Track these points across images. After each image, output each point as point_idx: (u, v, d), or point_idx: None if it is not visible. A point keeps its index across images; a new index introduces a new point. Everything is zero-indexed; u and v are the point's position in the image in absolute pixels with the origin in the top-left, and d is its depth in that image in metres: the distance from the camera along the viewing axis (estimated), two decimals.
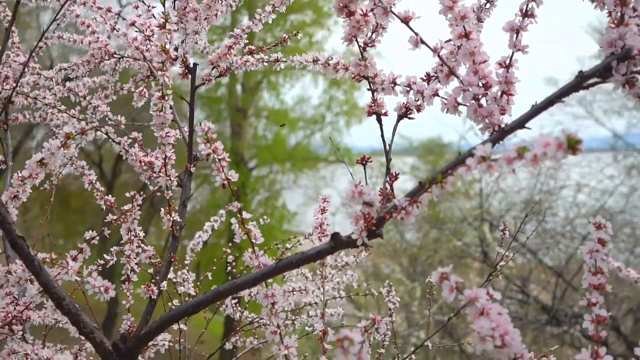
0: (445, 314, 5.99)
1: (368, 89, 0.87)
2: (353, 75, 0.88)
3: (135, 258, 1.10)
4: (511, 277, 6.74)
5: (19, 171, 0.92)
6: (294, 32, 1.34)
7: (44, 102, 1.31)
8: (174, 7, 1.14)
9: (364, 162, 0.88)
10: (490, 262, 6.48)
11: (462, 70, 0.79)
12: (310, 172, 11.12)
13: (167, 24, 0.95)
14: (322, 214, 1.11)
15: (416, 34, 0.76)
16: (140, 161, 1.18)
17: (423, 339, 5.78)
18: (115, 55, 1.38)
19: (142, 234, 1.16)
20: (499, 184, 7.83)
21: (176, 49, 1.14)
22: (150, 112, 1.01)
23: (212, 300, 0.78)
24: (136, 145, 1.21)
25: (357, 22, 0.80)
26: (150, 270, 1.10)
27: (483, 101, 0.74)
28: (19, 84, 0.95)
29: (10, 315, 1.06)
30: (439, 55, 0.76)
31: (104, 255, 1.29)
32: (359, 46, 0.84)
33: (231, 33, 1.19)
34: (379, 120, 0.86)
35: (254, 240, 0.84)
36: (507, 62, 0.74)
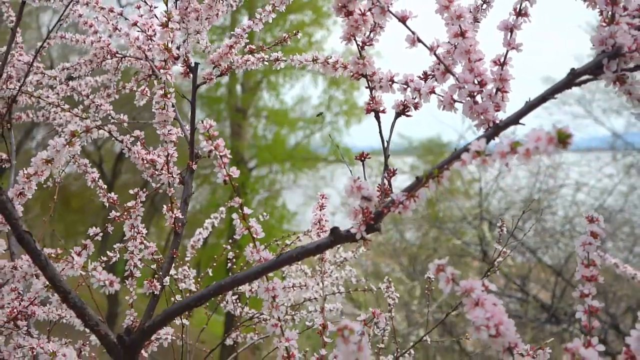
0: (444, 312, 6.00)
1: (366, 87, 0.89)
2: (352, 74, 0.90)
3: (138, 254, 1.12)
4: (511, 276, 6.76)
5: (24, 168, 0.94)
6: (294, 32, 1.35)
7: (48, 101, 1.33)
8: (176, 7, 1.16)
9: (363, 159, 0.90)
10: (489, 260, 6.50)
11: (458, 69, 0.81)
12: (310, 172, 11.15)
13: (169, 23, 0.97)
14: (320, 210, 1.12)
15: (413, 32, 0.78)
16: (142, 159, 1.19)
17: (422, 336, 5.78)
18: (117, 55, 1.40)
19: (144, 230, 1.18)
20: (498, 183, 7.85)
21: (178, 48, 1.16)
22: (153, 109, 1.03)
23: (214, 293, 0.80)
24: (138, 143, 1.23)
25: (356, 22, 0.82)
26: (153, 266, 1.12)
27: (478, 98, 0.76)
28: (24, 83, 0.97)
29: (15, 310, 1.07)
30: (435, 54, 0.78)
31: (107, 252, 1.31)
32: (358, 45, 0.86)
33: (232, 33, 1.21)
34: (377, 118, 0.88)
35: (255, 235, 0.86)
36: (502, 60, 0.76)
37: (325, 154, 10.93)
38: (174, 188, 1.15)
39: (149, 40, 1.23)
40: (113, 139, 1.27)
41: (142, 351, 1.04)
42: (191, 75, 1.20)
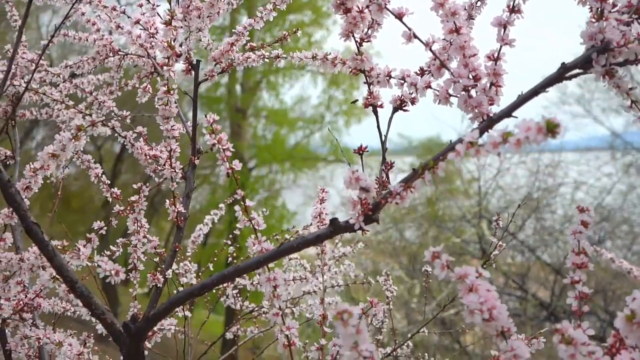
0: (444, 310, 6.03)
1: (364, 83, 0.91)
2: (350, 69, 0.93)
3: (141, 247, 1.15)
4: (510, 274, 6.79)
5: (31, 163, 0.97)
6: (294, 30, 1.38)
7: (53, 98, 1.36)
8: (178, 5, 1.18)
9: (361, 153, 0.92)
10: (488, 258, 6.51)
11: (453, 65, 0.83)
12: (309, 171, 11.18)
13: (173, 20, 0.99)
14: (320, 204, 1.15)
15: (409, 29, 0.80)
16: (145, 154, 1.22)
17: (422, 335, 5.81)
18: (119, 53, 1.42)
19: (147, 225, 1.21)
20: (497, 182, 7.88)
21: (180, 46, 1.18)
22: (156, 105, 1.05)
23: (217, 282, 0.82)
24: (141, 139, 1.26)
25: (354, 19, 0.84)
26: (156, 259, 1.14)
27: (473, 92, 0.78)
28: (30, 81, 0.99)
29: (21, 302, 1.10)
30: (431, 49, 0.81)
31: (109, 247, 1.33)
32: (356, 41, 0.88)
33: (233, 30, 1.23)
34: (375, 112, 0.90)
35: (256, 227, 0.88)
36: (496, 55, 0.78)
37: (325, 154, 10.96)
38: (176, 183, 1.17)
39: (151, 38, 1.26)
40: (116, 135, 1.30)
41: (146, 342, 1.06)
42: (193, 72, 1.22)
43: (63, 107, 1.40)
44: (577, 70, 0.71)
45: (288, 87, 10.92)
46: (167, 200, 1.21)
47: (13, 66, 1.46)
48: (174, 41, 1.02)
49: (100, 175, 1.31)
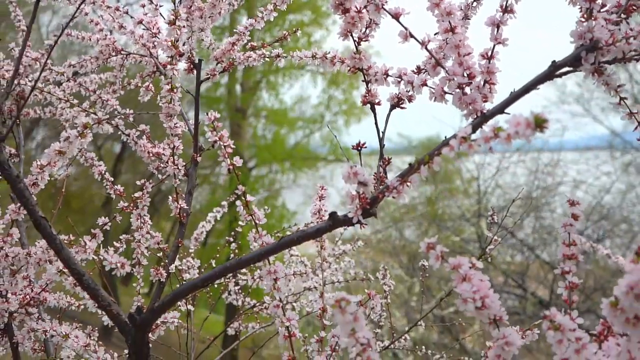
0: (443, 308, 6.06)
1: (363, 81, 0.93)
2: (349, 68, 0.95)
3: (145, 243, 1.17)
4: (509, 273, 6.82)
5: (37, 159, 0.99)
6: (294, 30, 1.40)
7: (58, 97, 1.38)
8: (180, 5, 1.21)
9: (359, 149, 0.95)
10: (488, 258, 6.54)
11: (449, 63, 0.85)
12: (309, 171, 11.20)
13: (177, 21, 1.01)
14: (320, 200, 1.17)
15: (406, 28, 0.83)
16: (148, 152, 1.24)
17: (422, 333, 5.82)
18: (122, 52, 1.45)
19: (150, 221, 1.23)
20: (497, 181, 7.91)
21: (183, 45, 1.21)
22: (160, 103, 1.08)
23: (219, 274, 0.85)
24: (144, 137, 1.28)
25: (352, 18, 0.87)
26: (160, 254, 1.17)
27: (467, 90, 0.81)
28: (38, 80, 1.01)
29: (28, 297, 1.12)
30: (426, 48, 0.83)
31: (114, 243, 1.36)
32: (354, 41, 0.91)
33: (235, 30, 1.26)
34: (373, 109, 0.93)
35: (257, 221, 0.91)
36: (489, 54, 0.80)
37: (325, 154, 10.98)
38: (178, 180, 1.20)
39: (154, 38, 1.28)
40: (119, 133, 1.32)
41: (150, 334, 1.08)
42: (195, 71, 1.25)
43: (67, 105, 1.42)
44: (567, 68, 0.73)
45: (288, 86, 10.96)
46: (170, 197, 1.23)
47: (20, 66, 1.49)
48: (177, 41, 1.05)
49: (103, 172, 1.34)
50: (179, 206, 1.20)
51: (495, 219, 1.43)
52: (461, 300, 0.66)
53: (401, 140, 10.35)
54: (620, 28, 0.73)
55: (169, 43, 1.03)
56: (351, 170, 0.77)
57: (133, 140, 1.25)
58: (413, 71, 0.91)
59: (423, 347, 1.59)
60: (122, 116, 1.26)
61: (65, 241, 0.96)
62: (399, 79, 0.89)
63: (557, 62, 0.73)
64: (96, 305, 0.88)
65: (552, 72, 0.73)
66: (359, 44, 0.92)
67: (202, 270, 1.61)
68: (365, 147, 0.94)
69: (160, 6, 1.21)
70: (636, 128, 0.76)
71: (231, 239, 1.80)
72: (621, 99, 0.76)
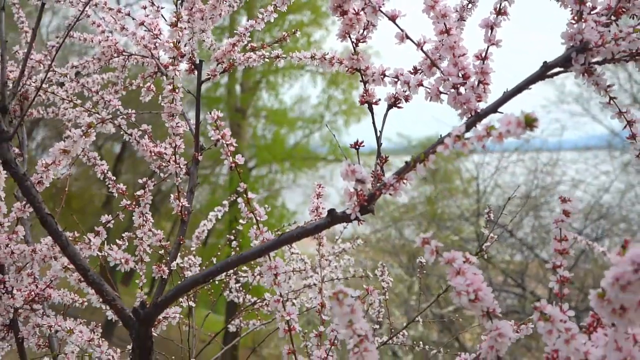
0: (442, 307, 6.08)
1: (360, 81, 0.96)
2: (347, 68, 0.97)
3: (147, 240, 1.19)
4: (508, 272, 6.84)
5: (42, 158, 1.01)
6: (293, 31, 1.43)
7: (61, 97, 1.40)
8: (182, 7, 1.23)
9: (357, 147, 0.97)
10: (487, 257, 6.57)
11: (445, 64, 0.88)
12: (309, 171, 11.22)
13: (179, 22, 1.04)
14: (317, 198, 1.20)
15: (402, 30, 0.85)
16: (150, 151, 1.26)
17: (421, 332, 5.84)
18: (124, 53, 1.47)
19: (152, 219, 1.25)
20: (496, 180, 7.93)
21: (184, 46, 1.23)
22: (162, 103, 1.10)
23: (221, 270, 0.87)
24: (146, 136, 1.30)
25: (350, 20, 0.89)
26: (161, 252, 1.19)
27: (462, 90, 0.83)
28: (44, 81, 1.04)
29: (33, 293, 1.15)
30: (422, 49, 0.85)
31: (116, 241, 1.38)
32: (352, 42, 0.93)
33: (235, 32, 1.28)
34: (370, 109, 0.95)
35: (258, 218, 0.93)
36: (483, 54, 0.83)
37: (325, 154, 11.01)
38: (180, 178, 1.22)
39: (155, 39, 1.30)
40: (121, 132, 1.34)
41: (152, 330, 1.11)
42: (196, 71, 1.27)
43: (70, 105, 1.45)
44: (558, 69, 0.76)
45: (287, 87, 10.98)
46: (172, 195, 1.26)
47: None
48: (178, 42, 1.07)
49: (106, 171, 1.36)
50: (180, 204, 1.22)
51: (492, 216, 1.45)
52: (455, 294, 0.68)
53: (401, 140, 10.38)
54: (610, 30, 0.75)
55: (171, 44, 1.05)
56: (349, 167, 0.79)
57: (135, 140, 1.27)
58: (409, 72, 0.94)
59: (421, 342, 1.62)
60: (125, 116, 1.28)
61: (70, 238, 0.98)
62: (396, 79, 0.92)
63: (548, 62, 0.75)
64: (101, 300, 0.90)
65: (543, 73, 0.75)
66: (356, 45, 0.95)
67: (204, 268, 1.63)
68: (363, 146, 0.96)
69: (162, 8, 1.24)
70: (625, 127, 0.79)
71: (232, 237, 1.83)
72: (611, 98, 0.78)
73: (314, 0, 10.16)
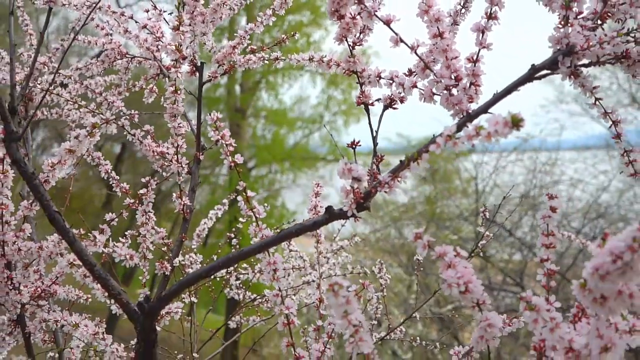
0: (442, 306, 6.11)
1: (357, 83, 0.99)
2: (344, 71, 1.01)
3: (150, 238, 1.22)
4: (507, 271, 6.87)
5: (49, 158, 1.05)
6: (292, 34, 1.46)
7: (66, 99, 1.44)
8: (183, 11, 1.26)
9: (354, 146, 1.00)
10: (486, 256, 6.61)
11: (439, 67, 0.91)
12: (309, 171, 11.25)
13: (181, 26, 1.07)
14: (316, 197, 1.23)
15: (396, 34, 0.88)
16: (153, 151, 1.30)
17: (420, 331, 5.86)
18: (127, 56, 1.50)
19: (154, 217, 1.29)
20: (494, 180, 7.97)
21: (186, 49, 1.26)
22: (164, 104, 1.13)
23: (223, 265, 0.90)
24: (149, 137, 1.34)
25: (347, 24, 0.92)
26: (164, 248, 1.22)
27: (454, 91, 0.86)
28: (53, 82, 1.07)
29: (39, 289, 1.18)
30: (416, 52, 0.89)
31: (120, 239, 1.41)
32: (349, 45, 0.96)
33: (235, 34, 1.31)
34: (367, 110, 0.99)
35: (257, 215, 0.96)
36: (475, 57, 0.86)
37: (324, 154, 11.04)
38: (182, 176, 1.25)
39: (157, 42, 1.34)
40: (123, 133, 1.38)
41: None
42: (197, 73, 1.30)
43: (74, 107, 1.48)
44: (545, 71, 0.79)
45: (287, 87, 11.01)
46: (174, 194, 1.29)
47: (27, 68, 1.54)
48: (180, 45, 1.10)
49: (110, 171, 1.39)
50: (182, 203, 1.25)
51: (487, 215, 1.49)
52: (446, 286, 0.71)
53: (400, 140, 10.41)
54: (597, 33, 0.78)
55: (173, 47, 1.08)
56: (345, 166, 0.83)
57: (138, 140, 1.31)
58: (404, 74, 0.97)
59: (418, 338, 1.65)
60: (128, 117, 1.31)
61: (77, 234, 1.01)
62: (391, 81, 0.95)
63: (536, 65, 0.78)
64: (106, 294, 0.93)
65: (531, 75, 0.78)
66: (353, 48, 0.98)
67: (204, 265, 1.66)
68: (360, 146, 1.00)
69: (164, 12, 1.27)
70: (610, 127, 0.82)
71: (232, 235, 1.86)
72: (596, 99, 0.82)
73: (313, 0, 10.19)
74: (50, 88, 1.41)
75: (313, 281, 1.51)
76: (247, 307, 1.72)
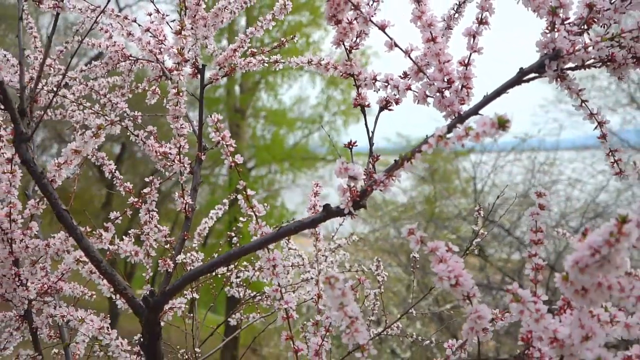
0: (441, 305, 6.15)
1: (353, 85, 1.03)
2: (341, 73, 1.04)
3: (153, 236, 1.26)
4: (506, 271, 6.91)
5: (55, 158, 1.08)
6: (291, 36, 1.50)
7: (71, 100, 1.47)
8: (185, 15, 1.30)
9: (351, 147, 1.04)
10: (484, 255, 6.65)
11: (432, 70, 0.94)
12: (308, 171, 11.29)
13: (182, 30, 1.11)
14: (315, 197, 1.26)
15: (391, 38, 0.92)
16: (156, 151, 1.33)
17: (419, 329, 5.89)
18: (130, 58, 1.54)
19: (157, 216, 1.32)
20: (493, 180, 8.00)
21: (188, 52, 1.30)
22: (167, 106, 1.17)
23: (224, 261, 0.94)
24: (152, 137, 1.37)
25: (344, 29, 0.96)
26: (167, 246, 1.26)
27: (447, 93, 0.90)
28: (61, 84, 1.11)
29: (46, 286, 1.21)
30: (409, 56, 0.92)
31: (123, 237, 1.45)
32: (346, 48, 1.00)
33: (236, 37, 1.35)
34: (363, 111, 1.02)
35: (257, 213, 1.00)
36: (466, 61, 0.90)
37: (324, 154, 11.08)
38: (184, 176, 1.29)
39: (160, 45, 1.37)
40: (126, 133, 1.41)
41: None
42: (199, 75, 1.34)
43: (79, 108, 1.51)
44: (533, 74, 0.82)
45: (287, 87, 11.05)
46: (176, 194, 1.33)
47: (33, 70, 1.58)
48: (182, 49, 1.14)
49: (113, 171, 1.43)
50: (185, 201, 1.29)
51: (482, 214, 1.52)
52: (438, 279, 0.75)
53: (400, 140, 10.45)
54: (582, 38, 0.82)
55: (176, 50, 1.12)
56: (342, 165, 0.86)
57: (142, 141, 1.34)
58: (400, 76, 1.00)
59: (414, 334, 1.68)
60: (132, 118, 1.35)
61: (84, 232, 1.05)
62: (386, 84, 0.98)
63: (524, 69, 0.82)
64: (112, 289, 0.97)
65: (520, 78, 0.82)
66: (350, 51, 1.01)
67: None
68: (357, 146, 1.03)
69: (167, 15, 1.30)
70: (596, 127, 0.85)
71: (232, 234, 1.89)
72: (582, 101, 0.85)
73: (312, 1, 10.23)
74: (55, 89, 1.44)
75: (312, 278, 1.55)
76: (247, 304, 1.75)
